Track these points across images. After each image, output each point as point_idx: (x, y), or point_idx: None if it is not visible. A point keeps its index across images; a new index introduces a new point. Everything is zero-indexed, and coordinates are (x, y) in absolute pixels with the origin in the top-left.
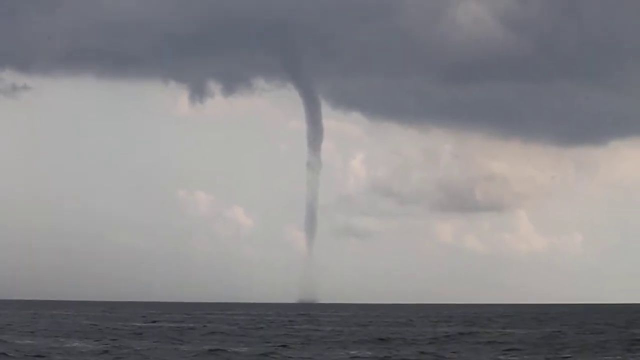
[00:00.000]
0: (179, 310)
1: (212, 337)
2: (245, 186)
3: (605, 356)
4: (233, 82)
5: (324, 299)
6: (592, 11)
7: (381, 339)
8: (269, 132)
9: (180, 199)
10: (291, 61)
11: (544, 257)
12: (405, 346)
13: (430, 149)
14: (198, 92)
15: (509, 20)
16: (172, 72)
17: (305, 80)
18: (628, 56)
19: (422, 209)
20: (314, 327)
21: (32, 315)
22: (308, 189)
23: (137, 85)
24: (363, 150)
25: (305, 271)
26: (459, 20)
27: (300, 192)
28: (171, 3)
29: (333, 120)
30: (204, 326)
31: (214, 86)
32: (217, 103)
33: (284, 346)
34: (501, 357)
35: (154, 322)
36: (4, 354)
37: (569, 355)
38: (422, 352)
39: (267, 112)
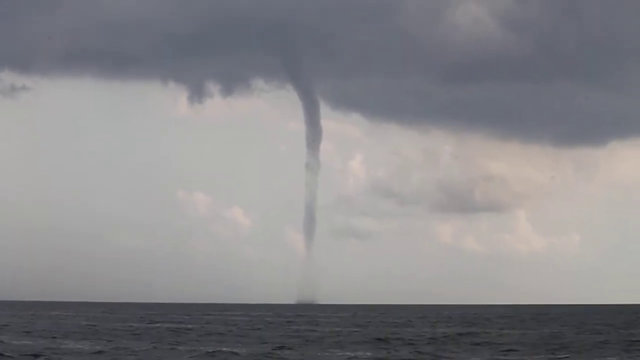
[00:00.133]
0: (178, 311)
1: (210, 338)
2: (244, 187)
3: (605, 357)
4: (232, 83)
5: (324, 299)
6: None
7: (380, 339)
8: (268, 132)
9: (180, 199)
10: (290, 62)
11: (543, 258)
12: (403, 346)
13: (429, 150)
14: (197, 93)
15: (508, 20)
16: (172, 73)
17: (304, 81)
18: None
19: (421, 210)
20: (313, 327)
21: (31, 316)
22: (307, 190)
23: (136, 85)
24: (363, 151)
25: (305, 272)
26: (459, 20)
27: (300, 193)
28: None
29: (332, 121)
30: (202, 327)
31: (213, 87)
32: (216, 104)
33: (281, 347)
34: (500, 357)
35: (152, 322)
36: (1, 354)
37: (566, 356)
38: (420, 352)
39: (266, 112)
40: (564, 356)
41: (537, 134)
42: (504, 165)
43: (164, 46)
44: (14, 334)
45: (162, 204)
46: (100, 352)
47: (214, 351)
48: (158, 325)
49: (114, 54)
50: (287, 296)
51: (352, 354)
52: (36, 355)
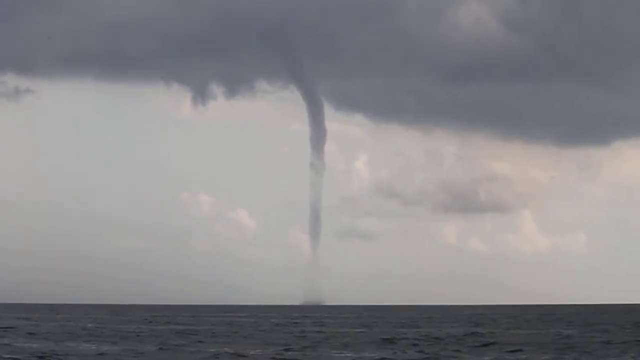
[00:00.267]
0: (182, 313)
1: (216, 339)
2: (248, 188)
3: (611, 357)
4: (235, 85)
5: (329, 300)
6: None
7: (386, 339)
8: (272, 134)
9: (183, 201)
10: (293, 63)
11: (547, 258)
12: (409, 347)
13: (432, 150)
14: (201, 95)
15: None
16: (175, 74)
17: (307, 82)
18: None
19: (425, 210)
20: (319, 328)
21: (34, 318)
22: (311, 191)
23: (139, 87)
24: (366, 151)
25: (310, 273)
26: (461, 20)
27: (304, 194)
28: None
29: (336, 122)
30: (208, 328)
31: (216, 88)
32: (220, 105)
33: (287, 349)
34: (506, 357)
35: (155, 323)
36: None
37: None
38: (425, 352)
39: (270, 114)
40: (570, 356)
41: (540, 133)
42: (508, 165)
43: (167, 48)
44: (19, 336)
45: (166, 205)
46: (104, 354)
47: (219, 353)
48: (163, 327)
49: (117, 55)
50: (292, 297)
51: (358, 355)
52: (41, 357)
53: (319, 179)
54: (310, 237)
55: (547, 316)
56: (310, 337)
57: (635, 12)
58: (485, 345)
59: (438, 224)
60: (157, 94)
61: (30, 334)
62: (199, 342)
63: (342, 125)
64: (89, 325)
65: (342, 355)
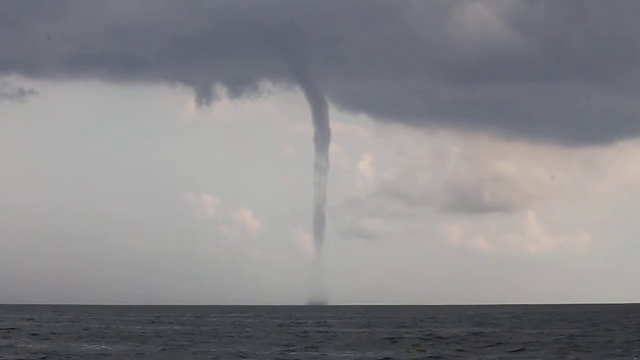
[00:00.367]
0: (188, 314)
1: (220, 340)
2: (252, 189)
3: (614, 357)
4: (239, 85)
5: (333, 300)
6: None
7: (390, 339)
8: (276, 134)
9: (188, 202)
10: (298, 63)
11: (552, 258)
12: (412, 346)
13: (437, 150)
14: (205, 95)
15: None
16: (179, 75)
17: (312, 83)
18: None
19: (430, 210)
20: (322, 328)
21: (38, 319)
22: (316, 191)
23: (144, 88)
24: (370, 152)
25: (314, 273)
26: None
27: (308, 195)
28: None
29: (340, 122)
30: (213, 329)
31: (220, 89)
32: (224, 106)
33: (290, 349)
34: (509, 356)
35: (158, 323)
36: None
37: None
38: (427, 352)
39: (274, 114)
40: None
41: (544, 133)
42: (512, 166)
43: (172, 49)
44: (22, 336)
45: (170, 206)
46: (108, 354)
47: (222, 353)
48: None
49: (122, 57)
50: (297, 298)
51: (361, 355)
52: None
53: (324, 179)
54: (314, 237)
55: (551, 316)
56: (313, 337)
57: None
58: (489, 345)
59: (442, 224)
60: (161, 94)
61: (33, 334)
62: (204, 342)
63: (346, 126)
64: (93, 326)
65: (346, 355)
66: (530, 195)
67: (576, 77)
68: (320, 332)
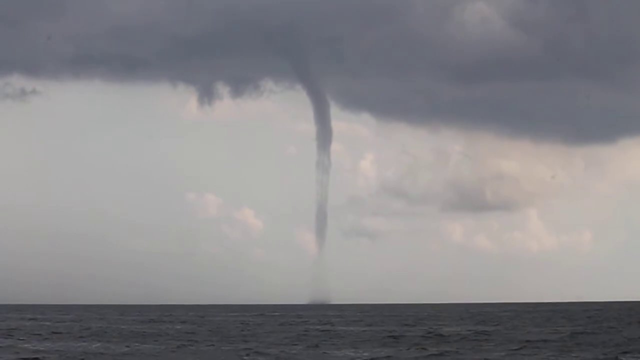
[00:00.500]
0: (190, 313)
1: (225, 338)
2: (254, 188)
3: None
4: (241, 84)
5: (335, 299)
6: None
7: (392, 337)
8: (278, 133)
9: (190, 201)
10: (299, 63)
11: (554, 256)
12: (414, 344)
13: (439, 149)
14: (207, 95)
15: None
16: (181, 75)
17: (313, 82)
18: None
19: (432, 209)
20: (325, 327)
21: (41, 319)
22: (318, 190)
23: (146, 88)
24: (372, 151)
25: (316, 272)
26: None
27: (310, 194)
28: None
29: (342, 121)
30: (216, 327)
31: (222, 88)
32: (226, 105)
33: (292, 348)
34: (512, 354)
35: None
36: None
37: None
38: (429, 350)
39: (276, 114)
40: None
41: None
42: (515, 164)
43: (173, 49)
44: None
45: (172, 206)
46: (109, 353)
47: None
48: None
49: (123, 57)
50: (299, 297)
51: (363, 353)
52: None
53: (325, 179)
54: (316, 236)
55: (553, 314)
56: (316, 335)
57: None
58: (491, 343)
59: (445, 222)
60: (163, 94)
61: (34, 334)
62: (206, 339)
63: (348, 125)
64: (95, 325)
65: (348, 353)
66: (532, 194)
67: (578, 75)
68: (322, 330)
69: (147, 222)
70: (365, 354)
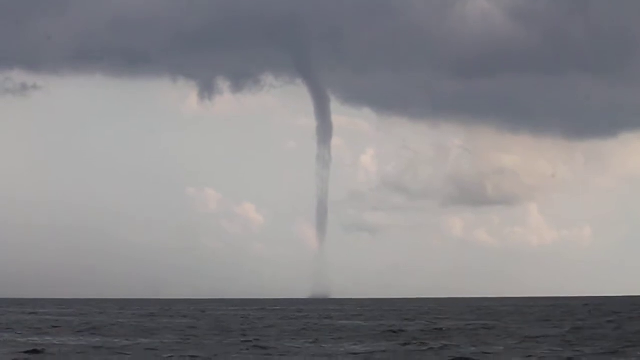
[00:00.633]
0: (191, 307)
1: (224, 332)
2: (255, 183)
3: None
4: (241, 79)
5: (336, 294)
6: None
7: (391, 332)
8: (278, 128)
9: (190, 196)
10: (300, 57)
11: (554, 250)
12: (414, 339)
13: (440, 144)
14: (207, 89)
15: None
16: (181, 70)
17: (314, 76)
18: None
19: (432, 204)
20: (325, 321)
21: (41, 313)
22: (318, 185)
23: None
24: (373, 145)
25: (317, 267)
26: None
27: (310, 188)
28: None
29: (343, 116)
30: (217, 322)
31: (222, 83)
32: (226, 100)
33: (292, 341)
34: (512, 349)
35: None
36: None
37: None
38: (428, 344)
39: (276, 108)
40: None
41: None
42: (515, 158)
43: (173, 43)
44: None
45: (173, 201)
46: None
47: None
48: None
49: (124, 51)
50: (300, 291)
51: (366, 346)
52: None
53: (326, 173)
54: (317, 231)
55: (554, 308)
56: (316, 329)
57: None
58: (491, 337)
59: (445, 217)
60: (163, 89)
61: (34, 328)
62: (207, 334)
63: (349, 119)
64: (95, 319)
65: (347, 347)
66: (533, 188)
67: (579, 69)
68: (322, 324)
69: (147, 216)
70: (365, 348)
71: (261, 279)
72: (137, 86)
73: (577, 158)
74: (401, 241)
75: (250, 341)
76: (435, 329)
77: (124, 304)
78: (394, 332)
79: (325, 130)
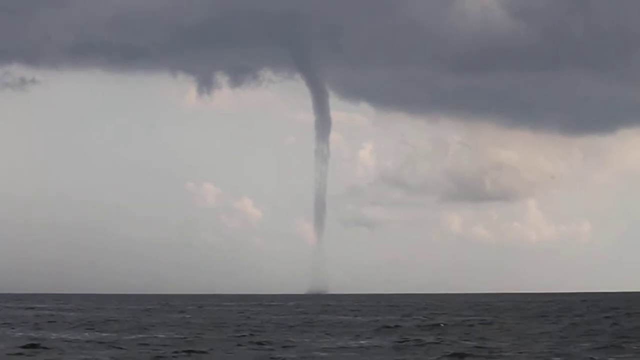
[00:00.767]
0: (189, 302)
1: (223, 328)
2: (253, 178)
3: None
4: (240, 74)
5: (334, 289)
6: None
7: (389, 327)
8: (277, 123)
9: (189, 191)
10: (299, 52)
11: (553, 246)
12: (411, 334)
13: (438, 139)
14: (206, 84)
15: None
16: (180, 65)
17: (312, 71)
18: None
19: (431, 199)
20: (323, 316)
21: (40, 308)
22: (316, 180)
23: (145, 77)
24: (371, 140)
25: (315, 262)
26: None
27: (309, 183)
28: None
29: (341, 111)
30: (217, 317)
31: (221, 78)
32: (225, 95)
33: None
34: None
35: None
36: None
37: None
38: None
39: (275, 103)
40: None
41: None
42: (514, 154)
43: (173, 38)
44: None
45: (172, 196)
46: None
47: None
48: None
49: (123, 46)
50: (298, 286)
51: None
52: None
53: (324, 168)
54: (315, 226)
55: (552, 304)
56: (313, 324)
57: None
58: (490, 333)
59: (444, 212)
60: (162, 84)
61: (32, 323)
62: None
63: (347, 114)
64: (94, 314)
65: (345, 342)
66: (531, 184)
67: (578, 65)
68: (320, 319)
69: (146, 211)
70: (361, 342)
71: (259, 274)
72: (136, 81)
73: (576, 154)
74: (399, 236)
75: (245, 336)
76: (432, 324)
77: (122, 299)
78: (391, 327)
79: (323, 125)
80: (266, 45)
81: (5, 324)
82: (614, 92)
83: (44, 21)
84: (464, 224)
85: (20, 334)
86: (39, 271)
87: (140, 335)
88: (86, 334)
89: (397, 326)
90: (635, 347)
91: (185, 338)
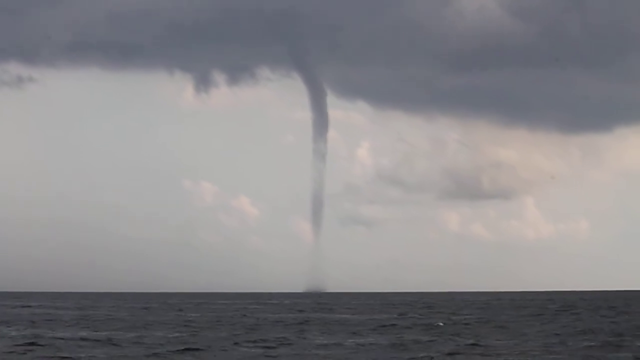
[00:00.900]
0: (187, 301)
1: (223, 326)
2: (251, 176)
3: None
4: (238, 72)
5: (332, 288)
6: None
7: (386, 326)
8: (274, 121)
9: (187, 189)
10: (296, 50)
11: (550, 244)
12: (406, 332)
13: (436, 137)
14: (203, 82)
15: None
16: (177, 62)
17: (310, 70)
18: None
19: (429, 197)
20: (320, 315)
21: (38, 307)
22: (314, 178)
23: (143, 75)
24: (369, 139)
25: (313, 260)
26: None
27: (306, 182)
28: None
29: (338, 109)
30: (215, 316)
31: (218, 76)
32: (222, 93)
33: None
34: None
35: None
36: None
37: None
38: (421, 339)
39: (272, 101)
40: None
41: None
42: (511, 153)
43: (170, 36)
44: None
45: (169, 194)
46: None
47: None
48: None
49: (120, 44)
50: (295, 285)
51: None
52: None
53: (322, 166)
54: (312, 224)
55: (550, 302)
56: (309, 322)
57: None
58: (487, 331)
59: (441, 211)
60: (159, 82)
61: (29, 322)
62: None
63: (344, 113)
64: (92, 312)
65: (341, 340)
66: (529, 182)
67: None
68: (316, 318)
69: (144, 209)
70: (359, 340)
71: (257, 273)
72: (133, 79)
73: (573, 152)
74: (397, 235)
75: (241, 334)
76: (430, 323)
77: (121, 298)
78: (388, 326)
79: (321, 123)
80: (264, 43)
81: (3, 322)
82: (611, 90)
83: (41, 19)
84: (461, 223)
85: (15, 332)
86: (37, 270)
87: (138, 334)
88: (83, 332)
89: (393, 325)
90: (632, 346)
91: (182, 336)
